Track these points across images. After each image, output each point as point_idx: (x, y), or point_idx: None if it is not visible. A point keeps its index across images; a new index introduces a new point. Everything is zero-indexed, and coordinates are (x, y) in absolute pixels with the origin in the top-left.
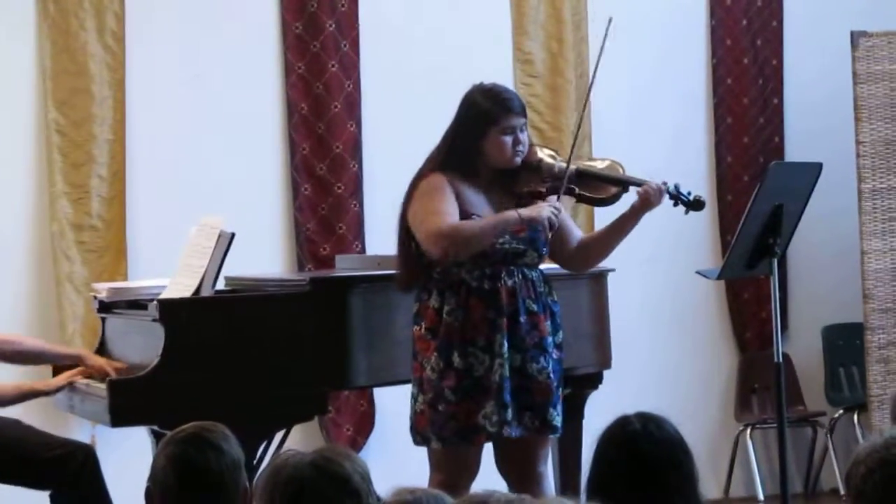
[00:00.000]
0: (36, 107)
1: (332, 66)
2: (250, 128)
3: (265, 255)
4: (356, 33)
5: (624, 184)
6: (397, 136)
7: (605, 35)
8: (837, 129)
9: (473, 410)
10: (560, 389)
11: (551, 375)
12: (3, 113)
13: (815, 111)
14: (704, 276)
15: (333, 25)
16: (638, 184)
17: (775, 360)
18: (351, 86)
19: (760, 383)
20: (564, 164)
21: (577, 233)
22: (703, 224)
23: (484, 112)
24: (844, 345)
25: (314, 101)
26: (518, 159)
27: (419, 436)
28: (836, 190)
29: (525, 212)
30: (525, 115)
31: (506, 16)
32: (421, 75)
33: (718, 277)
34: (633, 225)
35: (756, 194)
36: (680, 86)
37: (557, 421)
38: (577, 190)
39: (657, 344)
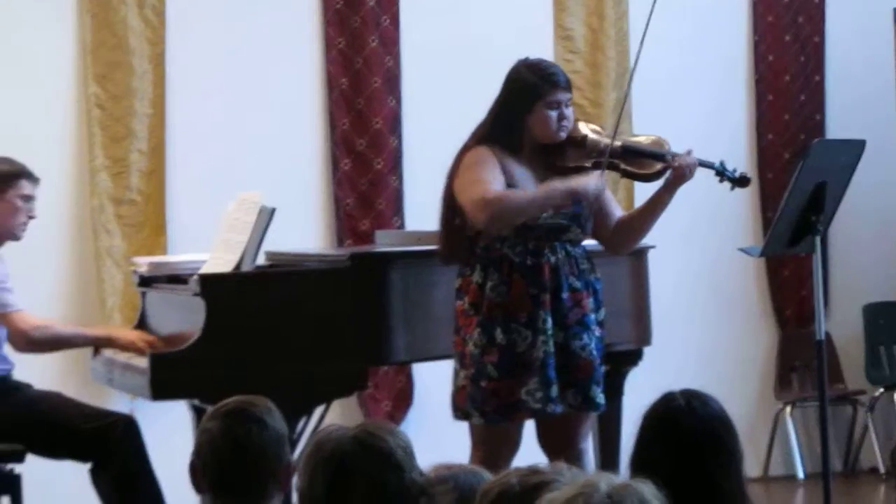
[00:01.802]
0: (76, 81)
1: (373, 41)
2: (290, 103)
3: (305, 231)
4: (396, 8)
5: (668, 159)
6: (437, 112)
7: (651, 12)
8: (879, 107)
9: (515, 387)
10: (601, 367)
11: (593, 352)
12: (44, 87)
13: (857, 88)
14: (747, 253)
15: (374, 1)
16: None
17: (817, 337)
18: (391, 61)
19: (800, 361)
20: (609, 140)
21: (619, 212)
22: (744, 201)
23: (530, 86)
24: (885, 323)
25: (354, 76)
26: (563, 134)
27: (460, 411)
28: (877, 167)
29: (573, 182)
30: (570, 90)
31: None
32: (460, 51)
33: (761, 255)
34: (668, 200)
35: (798, 171)
36: (721, 63)
37: (600, 398)
38: (621, 165)
39: (697, 321)
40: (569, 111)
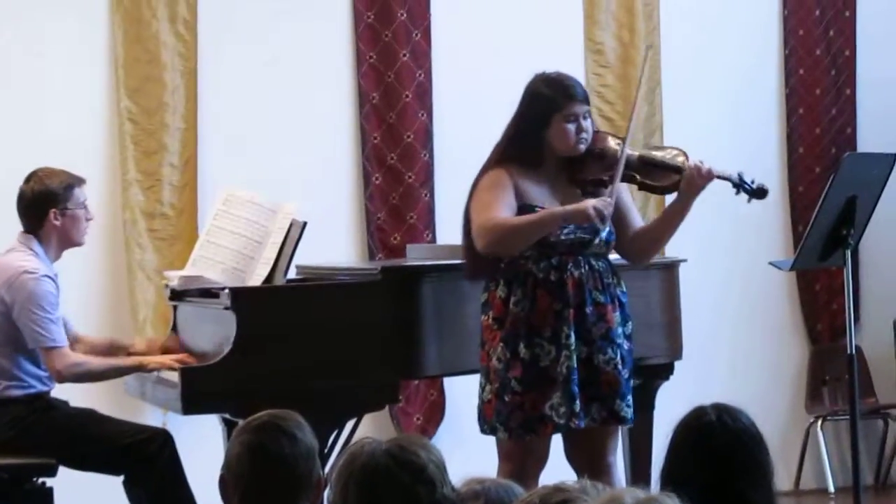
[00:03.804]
0: (108, 95)
1: (404, 55)
2: (321, 117)
3: (336, 245)
4: (428, 22)
5: (683, 170)
6: (468, 126)
7: (645, 61)
8: None
9: (539, 401)
10: (630, 380)
11: (619, 366)
12: (77, 102)
13: (888, 102)
14: (777, 267)
15: (405, 14)
16: None
17: (848, 351)
18: (422, 75)
19: (831, 375)
20: (625, 152)
21: (639, 222)
22: (775, 215)
23: (547, 100)
24: None
25: (385, 90)
26: (582, 146)
27: (486, 425)
28: None
29: (570, 207)
30: (588, 103)
31: (577, 5)
32: (491, 65)
33: (791, 268)
34: (685, 211)
35: (830, 185)
36: (752, 77)
37: (627, 412)
38: (638, 177)
39: (728, 335)
40: (587, 123)
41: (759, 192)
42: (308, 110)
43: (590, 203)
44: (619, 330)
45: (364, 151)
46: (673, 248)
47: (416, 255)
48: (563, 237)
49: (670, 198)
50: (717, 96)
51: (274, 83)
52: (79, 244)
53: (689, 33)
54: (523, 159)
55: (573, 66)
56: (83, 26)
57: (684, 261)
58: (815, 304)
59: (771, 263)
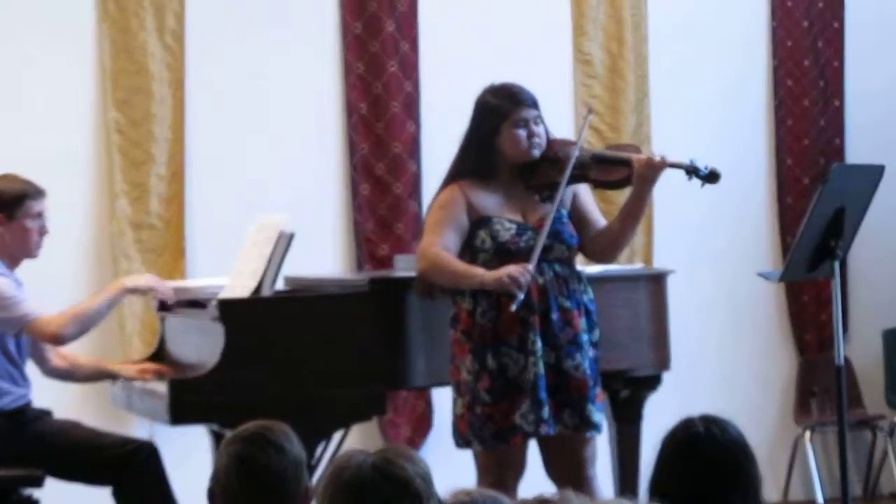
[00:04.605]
0: (96, 106)
1: (392, 66)
2: (309, 128)
3: (324, 256)
4: (415, 33)
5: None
6: (456, 137)
7: (585, 123)
8: None
9: (509, 411)
10: (597, 388)
11: (587, 372)
12: (64, 112)
13: (877, 113)
14: (766, 277)
15: (393, 26)
16: None
17: (836, 362)
18: (410, 86)
19: (820, 386)
20: (574, 152)
21: (601, 221)
22: (763, 226)
23: (494, 108)
24: None
25: (373, 101)
26: (535, 151)
27: (461, 439)
28: None
29: (487, 276)
30: (537, 108)
31: (565, 16)
32: (480, 75)
33: (780, 280)
34: (641, 203)
35: (818, 196)
36: (741, 88)
37: (597, 417)
38: (591, 175)
39: (716, 346)
40: (539, 128)
41: (711, 177)
42: (296, 121)
43: (504, 272)
44: (586, 337)
45: (352, 162)
46: (661, 259)
47: (404, 266)
48: (522, 244)
49: None
50: (705, 107)
51: (261, 94)
52: (29, 256)
53: (678, 44)
54: (476, 171)
55: (562, 76)
56: (70, 37)
57: (672, 272)
58: (803, 315)
59: (759, 274)
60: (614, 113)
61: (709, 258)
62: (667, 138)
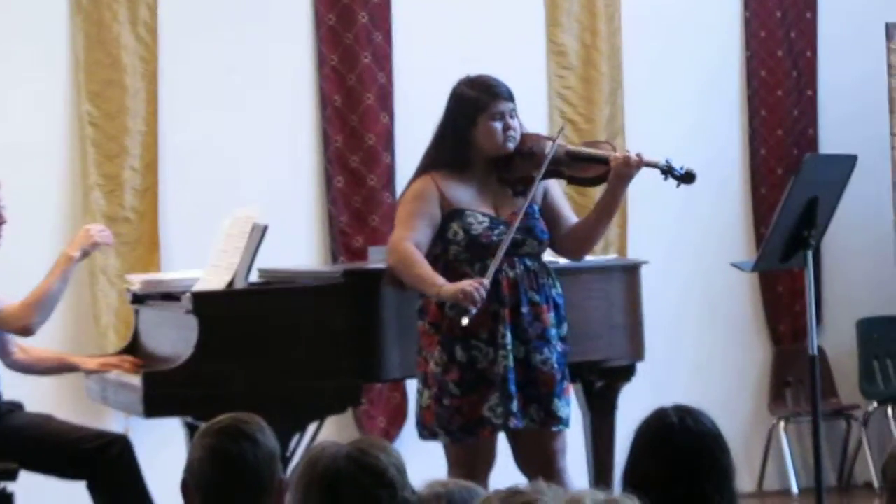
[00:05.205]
0: (69, 99)
1: (366, 58)
2: (283, 120)
3: (298, 248)
4: (389, 25)
5: (608, 160)
6: (430, 129)
7: (558, 136)
8: (872, 122)
9: (478, 403)
10: (565, 382)
11: (555, 366)
12: (37, 105)
13: (850, 103)
14: (739, 268)
15: (367, 17)
16: None
17: (810, 352)
18: (384, 78)
19: (794, 376)
20: (549, 147)
21: (573, 217)
22: (738, 216)
23: (471, 100)
24: (879, 337)
25: (347, 93)
26: (510, 144)
27: (426, 430)
28: (870, 181)
29: (445, 289)
30: (513, 101)
31: (539, 7)
32: (454, 67)
33: (753, 269)
34: (616, 201)
35: (791, 187)
36: (714, 79)
37: (564, 412)
38: (566, 172)
39: (690, 336)
40: (514, 122)
41: (687, 177)
42: (270, 113)
43: (459, 287)
44: (555, 331)
45: (326, 154)
46: (635, 250)
47: (378, 258)
48: (494, 238)
49: None
50: (679, 98)
51: (235, 86)
52: None
53: (651, 35)
54: (450, 163)
55: (535, 68)
56: (43, 29)
57: (647, 262)
58: (777, 306)
59: (733, 265)
60: (588, 104)
61: (683, 249)
62: (641, 129)
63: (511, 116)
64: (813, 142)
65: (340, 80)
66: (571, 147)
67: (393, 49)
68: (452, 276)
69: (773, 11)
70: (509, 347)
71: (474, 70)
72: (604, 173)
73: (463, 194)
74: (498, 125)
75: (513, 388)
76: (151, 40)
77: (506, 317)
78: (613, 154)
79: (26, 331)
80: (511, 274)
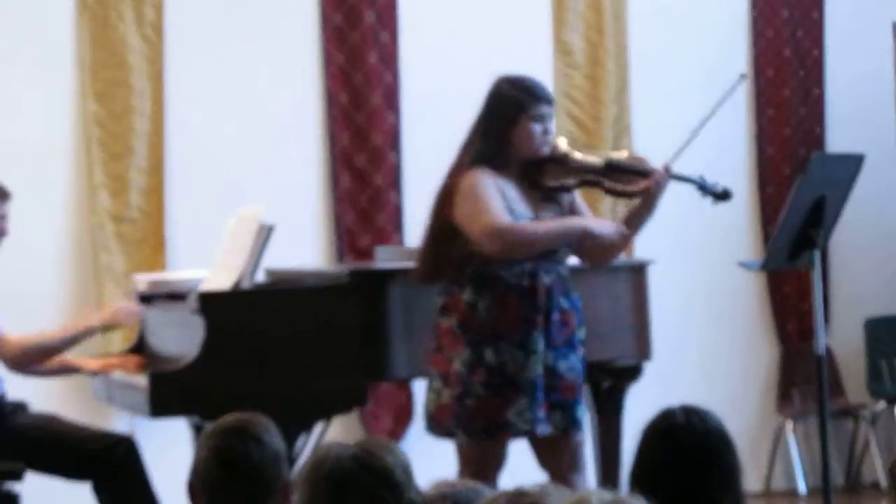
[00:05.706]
0: (75, 99)
1: (372, 57)
2: (289, 119)
3: (304, 248)
4: (395, 25)
5: (650, 175)
6: (436, 128)
7: (734, 88)
8: (879, 120)
9: (503, 407)
10: (583, 387)
11: (579, 373)
12: (43, 105)
13: (857, 102)
14: (746, 267)
15: (373, 17)
16: None
17: (818, 352)
18: (390, 77)
19: (801, 376)
20: (592, 157)
21: None
22: (744, 215)
23: (514, 100)
24: (887, 337)
25: (354, 92)
26: (546, 149)
27: (440, 428)
28: (877, 180)
29: (592, 223)
30: (552, 106)
31: (546, 6)
32: (460, 66)
33: (760, 269)
34: (649, 215)
35: (798, 186)
36: (721, 77)
37: (582, 416)
38: (605, 183)
39: (697, 336)
40: (552, 126)
41: (723, 195)
42: (275, 113)
43: (608, 228)
44: (577, 336)
45: (332, 154)
46: (642, 250)
47: (384, 258)
48: None
49: None
50: (685, 97)
51: (241, 85)
52: None
53: (658, 34)
54: (492, 160)
55: (542, 67)
56: (49, 30)
57: (653, 262)
58: (784, 305)
59: (740, 264)
60: (595, 103)
61: (690, 248)
62: (648, 128)
63: (549, 120)
64: (820, 140)
65: (347, 80)
66: (610, 157)
67: (399, 49)
68: (485, 277)
69: (780, 10)
70: (541, 354)
71: (479, 69)
72: (645, 188)
73: (509, 192)
74: (538, 127)
75: (540, 394)
76: (157, 40)
77: (539, 323)
78: (653, 168)
79: (11, 368)
80: (546, 280)
